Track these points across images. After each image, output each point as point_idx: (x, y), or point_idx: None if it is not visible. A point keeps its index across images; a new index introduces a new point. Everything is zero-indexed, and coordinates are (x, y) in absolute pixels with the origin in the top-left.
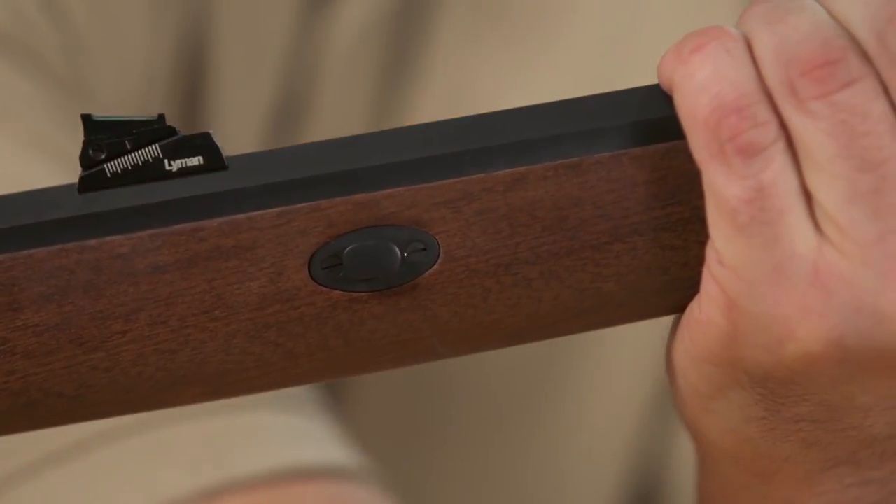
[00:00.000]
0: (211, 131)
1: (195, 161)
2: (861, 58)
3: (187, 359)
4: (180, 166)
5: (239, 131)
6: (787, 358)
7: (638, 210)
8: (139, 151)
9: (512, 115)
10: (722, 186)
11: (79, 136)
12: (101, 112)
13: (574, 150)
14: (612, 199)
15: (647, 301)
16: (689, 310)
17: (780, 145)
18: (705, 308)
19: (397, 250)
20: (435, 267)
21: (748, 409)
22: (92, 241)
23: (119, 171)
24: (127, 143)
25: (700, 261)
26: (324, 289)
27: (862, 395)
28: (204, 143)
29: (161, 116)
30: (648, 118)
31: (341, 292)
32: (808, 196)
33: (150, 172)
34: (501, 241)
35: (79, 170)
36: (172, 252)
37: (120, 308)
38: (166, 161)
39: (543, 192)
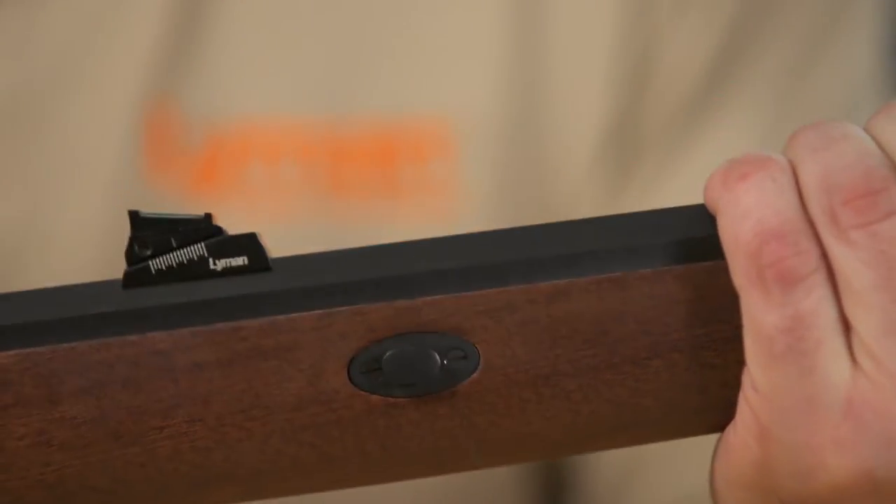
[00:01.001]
0: (257, 232)
1: (240, 261)
2: None
3: (223, 457)
4: (225, 265)
5: None
6: (818, 488)
7: (679, 327)
8: (184, 249)
9: (557, 228)
10: (760, 314)
11: None
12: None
13: (618, 265)
14: (654, 316)
15: (684, 419)
16: (725, 433)
17: (821, 275)
18: (740, 433)
19: (437, 357)
20: (474, 375)
21: None
22: (133, 337)
23: (164, 268)
24: (173, 240)
25: (739, 381)
26: (362, 393)
27: None
28: (249, 244)
29: (208, 215)
30: (693, 236)
31: (380, 397)
32: (845, 326)
33: (195, 271)
34: (542, 352)
35: (124, 265)
36: (212, 350)
37: (158, 404)
38: (211, 260)
39: (585, 305)
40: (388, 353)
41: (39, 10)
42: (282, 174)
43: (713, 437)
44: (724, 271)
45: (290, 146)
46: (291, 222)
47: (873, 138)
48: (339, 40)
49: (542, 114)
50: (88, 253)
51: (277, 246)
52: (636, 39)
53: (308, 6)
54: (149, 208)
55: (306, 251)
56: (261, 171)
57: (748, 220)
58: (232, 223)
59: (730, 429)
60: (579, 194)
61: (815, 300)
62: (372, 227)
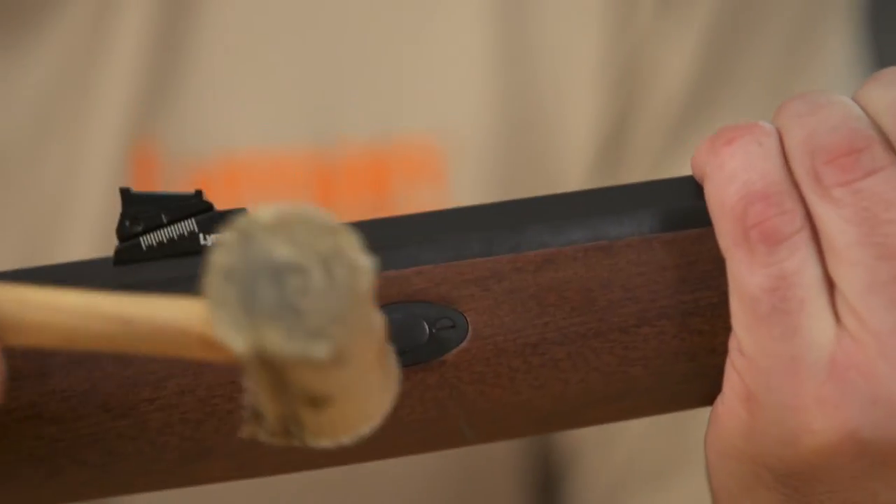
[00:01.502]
0: (247, 208)
1: None
2: (886, 148)
3: (213, 429)
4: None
5: None
6: (804, 451)
7: (667, 294)
8: (175, 225)
9: (544, 200)
10: (745, 275)
11: None
12: None
13: (605, 233)
14: (642, 283)
15: (673, 388)
16: (715, 404)
17: (805, 234)
18: (727, 399)
19: (426, 326)
20: (463, 344)
21: None
22: None
23: (154, 244)
24: (163, 216)
25: (727, 347)
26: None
27: (885, 492)
28: None
29: (198, 192)
30: (680, 205)
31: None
32: (830, 285)
33: (186, 247)
34: (530, 320)
35: (115, 242)
36: None
37: (148, 376)
38: (201, 235)
39: (573, 273)
40: None
41: (20, 61)
42: None
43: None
44: (711, 238)
45: (278, 177)
46: None
47: (860, 105)
48: (320, 66)
49: (532, 128)
50: None
51: None
52: (622, 47)
53: (287, 34)
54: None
55: None
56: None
57: (734, 182)
58: None
59: (718, 399)
60: None
61: (800, 259)
62: None
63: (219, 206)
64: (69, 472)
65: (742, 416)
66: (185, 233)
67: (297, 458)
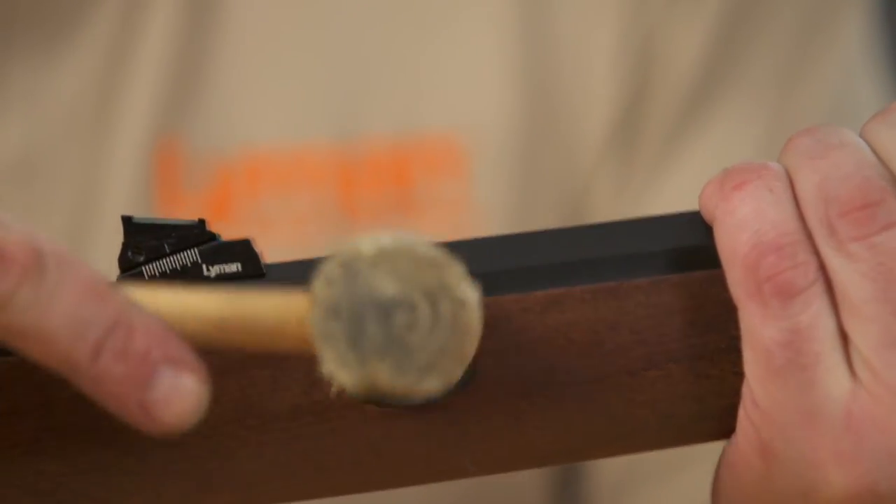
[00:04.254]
0: (251, 238)
1: (233, 267)
2: None
3: (217, 466)
4: (218, 272)
5: None
6: (821, 503)
7: (675, 337)
8: (178, 255)
9: (551, 236)
10: (758, 328)
11: None
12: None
13: (613, 275)
14: (649, 325)
15: (680, 429)
16: (725, 450)
17: (819, 287)
18: (741, 449)
19: None
20: (470, 384)
21: None
22: None
23: (157, 273)
24: (166, 246)
25: (735, 391)
26: (357, 403)
27: None
28: (243, 250)
29: (201, 221)
30: (689, 245)
31: (374, 406)
32: (844, 338)
33: (188, 277)
34: (536, 362)
35: (117, 271)
36: (207, 358)
37: None
38: (205, 266)
39: (580, 314)
40: None
41: (51, 62)
42: (294, 202)
43: (713, 450)
44: (720, 281)
45: (300, 173)
46: (306, 249)
47: (869, 144)
48: (343, 62)
49: (552, 122)
50: None
51: None
52: (635, 37)
53: (310, 31)
54: None
55: None
56: (273, 201)
57: (745, 231)
58: None
59: (730, 447)
60: (591, 191)
61: (814, 313)
62: None
63: (241, 203)
64: None
65: (757, 467)
66: (189, 263)
67: (298, 492)
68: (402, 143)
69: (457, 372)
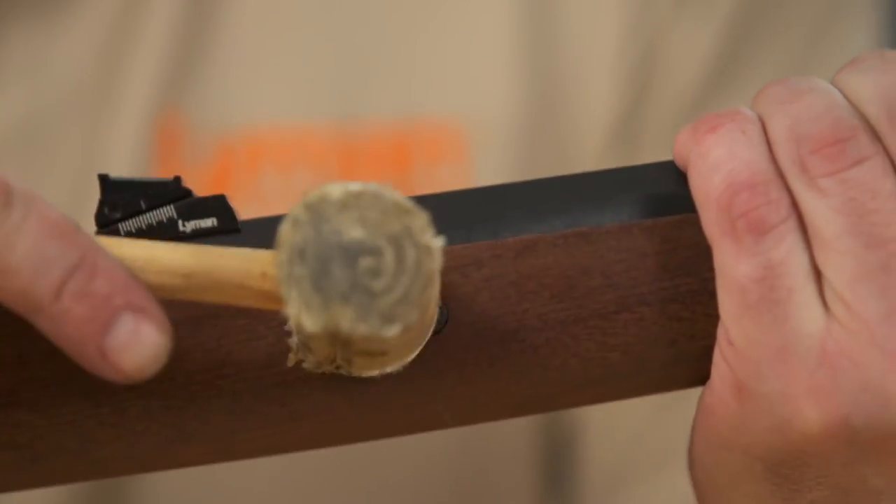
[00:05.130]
0: (226, 194)
1: (209, 223)
2: (871, 137)
3: (193, 415)
4: (194, 227)
5: None
6: (796, 438)
7: (646, 280)
8: (154, 212)
9: (524, 186)
10: (732, 265)
11: None
12: None
13: (585, 220)
14: (621, 269)
15: (653, 373)
16: (702, 395)
17: (791, 223)
18: (716, 389)
19: None
20: (443, 331)
21: (765, 500)
22: None
23: (133, 230)
24: (142, 202)
25: (707, 333)
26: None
27: (874, 478)
28: (218, 206)
29: (177, 178)
30: (662, 192)
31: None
32: (817, 274)
33: (164, 232)
34: (509, 307)
35: (94, 228)
36: (182, 309)
37: None
38: (180, 222)
39: (553, 259)
40: None
41: (53, 32)
42: (294, 181)
43: None
44: (692, 225)
45: (301, 152)
46: None
47: (840, 91)
48: (347, 44)
49: (553, 111)
50: None
51: None
52: (641, 34)
53: (314, 11)
54: None
55: None
56: (273, 179)
57: (719, 172)
58: None
59: (706, 389)
60: None
61: (787, 248)
62: None
63: (241, 180)
64: (49, 458)
65: (732, 406)
66: (164, 219)
67: (274, 442)
68: (403, 128)
69: (415, 319)
